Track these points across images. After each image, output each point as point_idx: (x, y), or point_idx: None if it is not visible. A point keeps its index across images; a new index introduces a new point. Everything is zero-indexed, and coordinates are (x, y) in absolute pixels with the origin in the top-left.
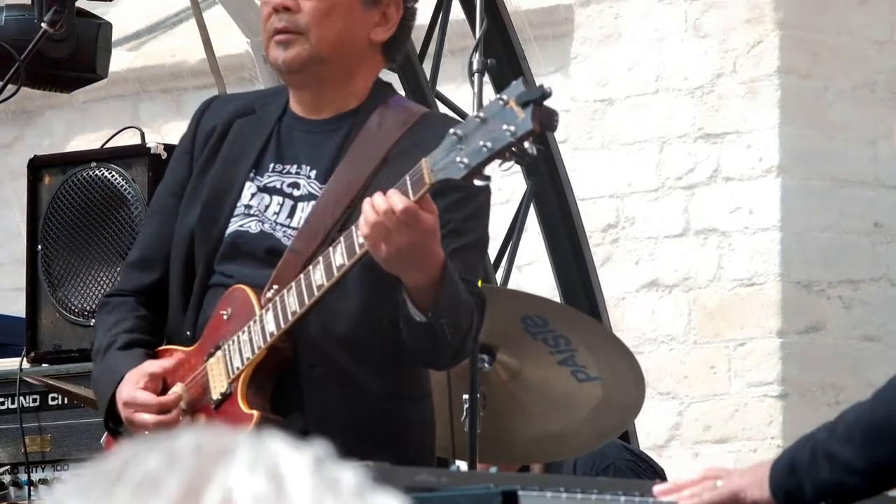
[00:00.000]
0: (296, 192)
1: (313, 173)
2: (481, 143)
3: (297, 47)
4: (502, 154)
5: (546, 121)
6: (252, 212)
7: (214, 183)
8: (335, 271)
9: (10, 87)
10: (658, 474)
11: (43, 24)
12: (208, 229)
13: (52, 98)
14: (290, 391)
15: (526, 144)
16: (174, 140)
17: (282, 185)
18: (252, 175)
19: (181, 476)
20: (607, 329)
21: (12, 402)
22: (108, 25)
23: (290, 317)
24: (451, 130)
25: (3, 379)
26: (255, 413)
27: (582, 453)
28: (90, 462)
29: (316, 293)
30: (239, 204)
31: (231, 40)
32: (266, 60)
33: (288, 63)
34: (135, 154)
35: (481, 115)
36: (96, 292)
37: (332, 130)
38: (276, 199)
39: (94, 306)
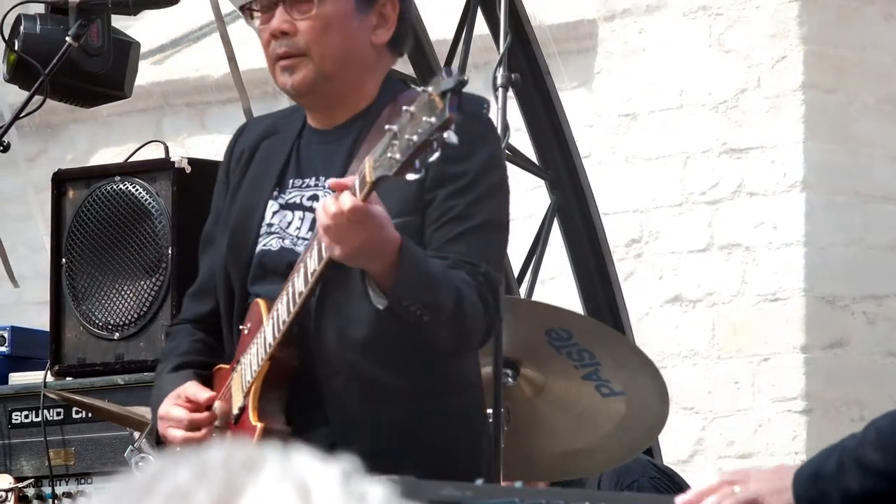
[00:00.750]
0: (314, 205)
1: (328, 182)
2: (408, 137)
3: (302, 70)
4: (426, 146)
5: (469, 107)
6: (273, 230)
7: (241, 206)
8: (310, 277)
9: (35, 101)
10: (683, 492)
11: (67, 38)
12: (239, 253)
13: (75, 112)
14: (314, 403)
15: (446, 134)
16: (198, 154)
17: (301, 199)
18: (275, 194)
19: (210, 490)
20: (631, 342)
21: (36, 416)
22: (138, 45)
23: (281, 326)
24: (387, 126)
25: (27, 392)
26: (259, 425)
27: (605, 468)
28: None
29: (298, 300)
30: (263, 224)
31: (255, 54)
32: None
33: (297, 87)
34: (159, 168)
35: (411, 109)
36: (120, 306)
37: (344, 136)
38: (297, 214)
39: (117, 320)
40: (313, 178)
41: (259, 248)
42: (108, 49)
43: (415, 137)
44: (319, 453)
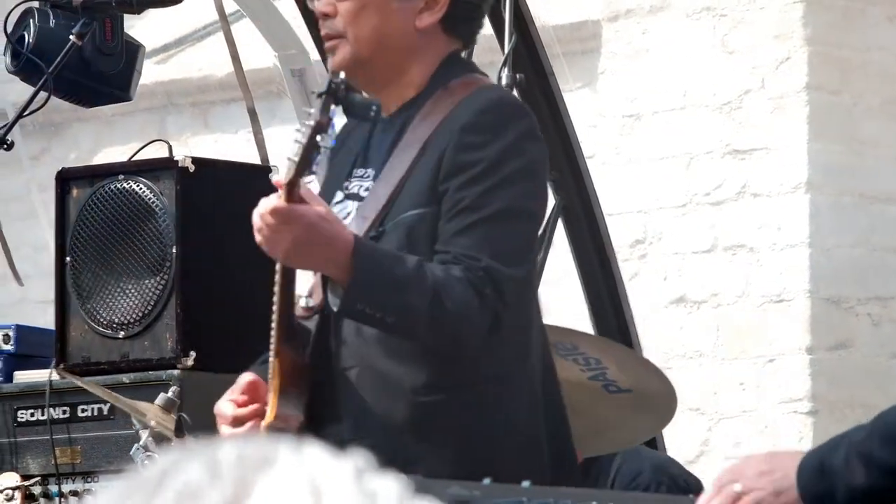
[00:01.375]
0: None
1: (372, 173)
2: (298, 138)
3: (340, 52)
4: (311, 147)
5: (350, 109)
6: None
7: (321, 195)
8: (277, 275)
9: (39, 99)
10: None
11: (71, 37)
12: None
13: (79, 110)
14: (330, 399)
15: (319, 137)
16: (201, 153)
17: (359, 189)
18: (345, 184)
19: (222, 487)
20: (638, 353)
21: (42, 414)
22: (144, 49)
23: (272, 323)
24: (296, 128)
25: (33, 390)
26: (268, 422)
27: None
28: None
29: (275, 299)
30: None
31: (259, 54)
32: (294, 74)
33: (335, 69)
34: (163, 167)
35: (310, 110)
36: (125, 305)
37: (394, 125)
38: (353, 204)
39: (122, 318)
40: (368, 168)
41: None
42: (120, 50)
43: (302, 139)
44: (333, 449)
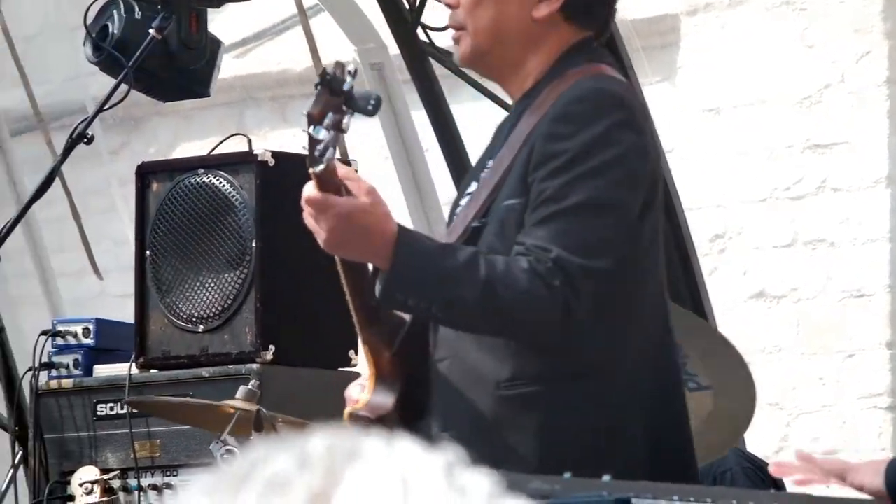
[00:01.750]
0: None
1: (490, 163)
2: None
3: (462, 43)
4: (310, 140)
5: (349, 101)
6: (457, 211)
7: (461, 187)
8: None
9: (119, 93)
10: (775, 483)
11: (151, 31)
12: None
13: (158, 105)
14: (423, 389)
15: (311, 128)
16: (280, 148)
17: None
18: (480, 174)
19: (310, 478)
20: (718, 332)
21: (121, 408)
22: (223, 45)
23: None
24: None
25: (112, 384)
26: (351, 412)
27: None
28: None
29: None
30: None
31: (337, 48)
32: (372, 68)
33: (459, 61)
34: (242, 161)
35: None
36: (204, 298)
37: (512, 116)
38: None
39: (201, 312)
40: (492, 159)
41: None
42: (204, 44)
43: (305, 130)
44: (423, 443)
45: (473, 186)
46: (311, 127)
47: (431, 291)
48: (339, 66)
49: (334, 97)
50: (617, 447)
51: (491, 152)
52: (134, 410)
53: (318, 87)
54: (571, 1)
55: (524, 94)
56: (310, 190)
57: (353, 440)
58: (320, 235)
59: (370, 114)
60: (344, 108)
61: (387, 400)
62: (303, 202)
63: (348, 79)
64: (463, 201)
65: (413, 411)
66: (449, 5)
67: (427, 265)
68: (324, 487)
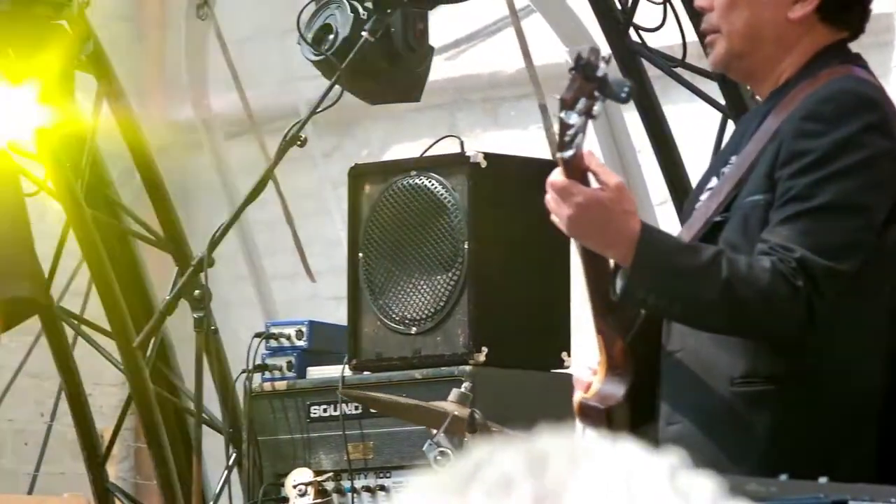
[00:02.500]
0: None
1: (734, 159)
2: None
3: (717, 47)
4: (561, 126)
5: (603, 88)
6: (696, 206)
7: (699, 181)
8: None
9: (332, 96)
10: None
11: (364, 33)
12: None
13: (370, 107)
14: (654, 381)
15: (563, 113)
16: (492, 149)
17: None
18: (721, 170)
19: (535, 478)
20: None
21: (335, 410)
22: (433, 50)
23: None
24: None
25: (326, 386)
26: (581, 402)
27: None
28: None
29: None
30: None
31: (549, 49)
32: None
33: (713, 65)
34: (455, 163)
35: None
36: (416, 300)
37: (758, 114)
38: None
39: (414, 314)
40: (736, 156)
41: None
42: (426, 48)
43: (556, 114)
44: (648, 445)
45: (714, 182)
46: (563, 112)
47: (672, 291)
48: (594, 51)
49: (588, 83)
50: (846, 448)
51: (734, 148)
52: (347, 412)
53: (572, 72)
54: (827, 1)
55: (773, 92)
56: (556, 175)
57: (578, 442)
58: (560, 220)
59: (624, 101)
60: (596, 93)
61: (617, 390)
62: (547, 185)
63: (602, 65)
64: (703, 196)
65: (642, 402)
66: (702, 9)
67: (668, 265)
68: (550, 489)
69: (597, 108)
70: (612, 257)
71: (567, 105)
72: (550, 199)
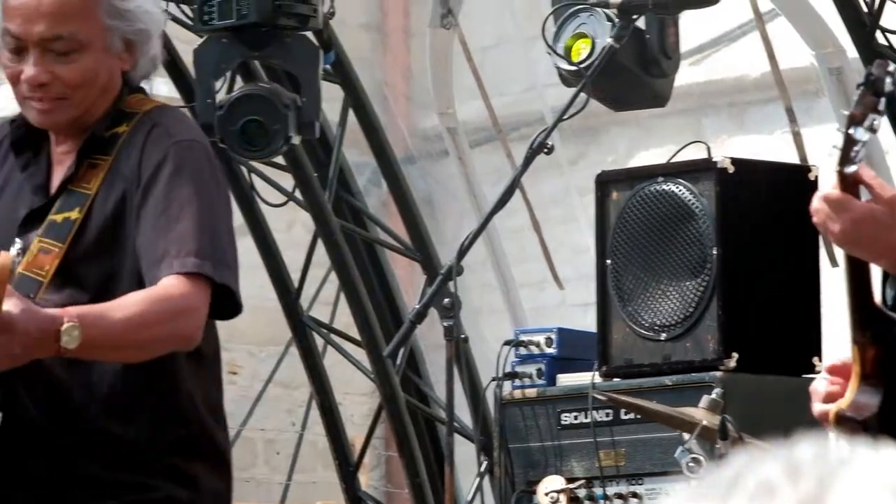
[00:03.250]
0: None
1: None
2: (840, 128)
3: None
4: (847, 141)
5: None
6: None
7: None
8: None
9: (578, 103)
10: None
11: (608, 40)
12: None
13: (615, 114)
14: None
15: (852, 130)
16: (737, 154)
17: None
18: None
19: (799, 485)
20: None
21: (585, 417)
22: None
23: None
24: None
25: (576, 393)
26: (835, 412)
27: None
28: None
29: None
30: None
31: (795, 53)
32: (831, 73)
33: None
34: (702, 168)
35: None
36: (665, 307)
37: None
38: None
39: (663, 321)
40: None
41: None
42: (677, 55)
43: (843, 130)
44: None
45: None
46: (852, 128)
47: None
48: (882, 66)
49: (875, 98)
50: None
51: None
52: (598, 419)
53: (861, 88)
54: None
55: None
56: (829, 188)
57: (842, 447)
58: (831, 233)
59: None
60: (880, 108)
61: (872, 400)
62: (819, 198)
63: (888, 80)
64: None
65: (894, 413)
66: None
67: None
68: (814, 495)
69: (877, 122)
70: (884, 267)
71: (856, 121)
72: (821, 211)
